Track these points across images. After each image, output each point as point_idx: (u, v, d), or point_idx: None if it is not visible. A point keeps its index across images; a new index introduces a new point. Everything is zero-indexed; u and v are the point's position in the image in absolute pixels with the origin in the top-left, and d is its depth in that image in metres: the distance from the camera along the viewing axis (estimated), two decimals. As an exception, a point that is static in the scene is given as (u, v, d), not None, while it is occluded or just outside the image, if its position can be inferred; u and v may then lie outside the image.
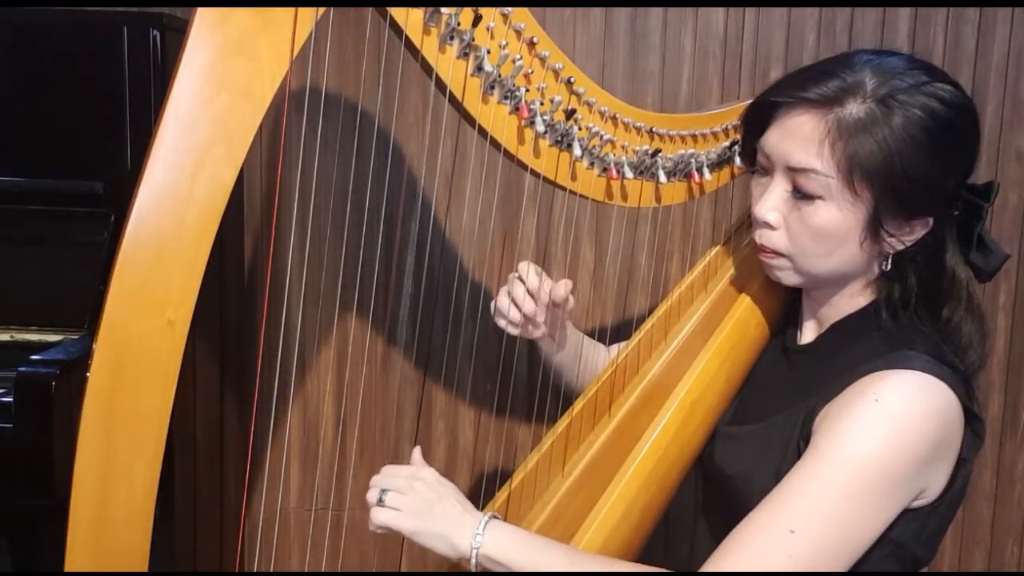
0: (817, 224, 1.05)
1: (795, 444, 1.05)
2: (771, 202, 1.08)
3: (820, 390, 1.05)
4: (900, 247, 1.07)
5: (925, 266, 1.09)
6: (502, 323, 1.30)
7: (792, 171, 1.06)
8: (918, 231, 1.07)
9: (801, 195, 1.06)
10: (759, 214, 1.09)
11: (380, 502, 1.03)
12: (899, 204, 1.03)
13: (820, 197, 1.04)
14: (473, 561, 1.01)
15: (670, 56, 1.86)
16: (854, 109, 1.02)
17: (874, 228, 1.05)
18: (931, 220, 1.06)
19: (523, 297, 1.26)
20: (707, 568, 0.98)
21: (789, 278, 1.12)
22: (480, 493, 1.08)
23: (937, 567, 1.98)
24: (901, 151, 1.01)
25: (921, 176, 1.03)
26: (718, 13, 1.85)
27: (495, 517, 1.04)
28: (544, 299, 1.26)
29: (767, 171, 1.11)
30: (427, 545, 1.02)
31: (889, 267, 1.09)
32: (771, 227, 1.09)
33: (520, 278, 1.27)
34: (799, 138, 1.04)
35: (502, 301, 1.28)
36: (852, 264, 1.09)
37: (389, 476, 1.06)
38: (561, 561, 1.01)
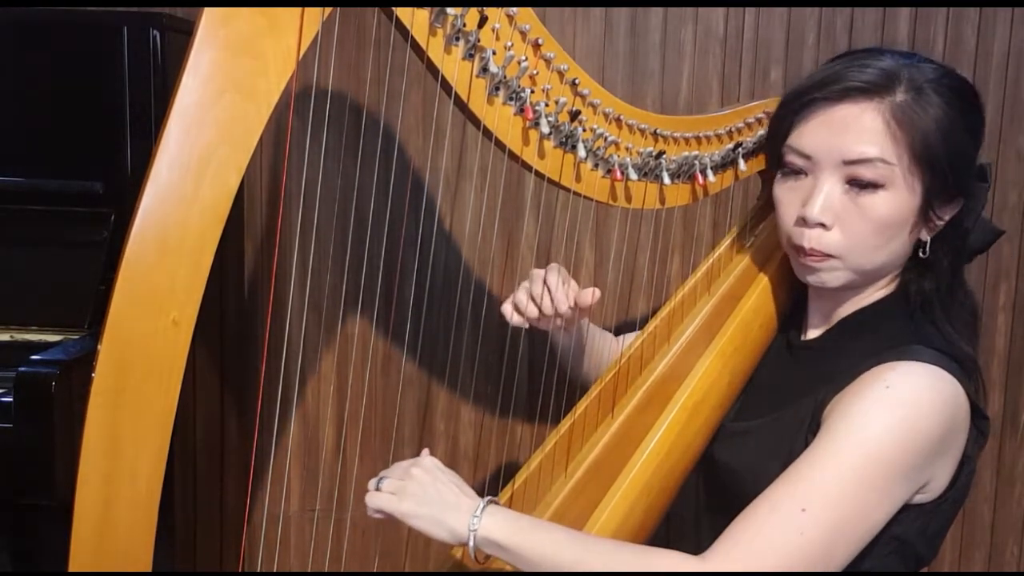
0: (880, 214, 1.05)
1: (804, 437, 1.05)
2: (824, 201, 1.07)
3: (829, 383, 1.06)
4: (938, 229, 1.09)
5: (953, 248, 1.11)
6: (515, 319, 1.28)
7: (848, 164, 1.05)
8: (951, 211, 1.09)
9: (860, 188, 1.05)
10: (813, 216, 1.07)
11: (378, 488, 1.04)
12: (951, 183, 1.06)
13: (882, 186, 1.04)
14: (471, 544, 1.00)
15: (670, 56, 1.86)
16: (903, 95, 1.04)
17: (925, 212, 1.07)
18: (963, 199, 1.09)
19: (541, 295, 1.25)
20: (718, 545, 0.98)
21: (836, 280, 1.10)
22: (482, 494, 1.08)
23: (937, 567, 1.98)
24: (951, 129, 1.05)
25: (966, 153, 1.07)
26: (718, 13, 1.85)
27: (493, 501, 1.03)
28: (565, 302, 1.24)
29: (803, 172, 1.10)
30: (423, 530, 1.02)
31: (928, 253, 1.10)
32: (825, 228, 1.07)
33: (545, 280, 1.25)
34: (855, 130, 1.04)
35: (520, 297, 1.27)
36: (898, 255, 1.10)
37: (391, 468, 1.07)
38: (561, 541, 1.01)
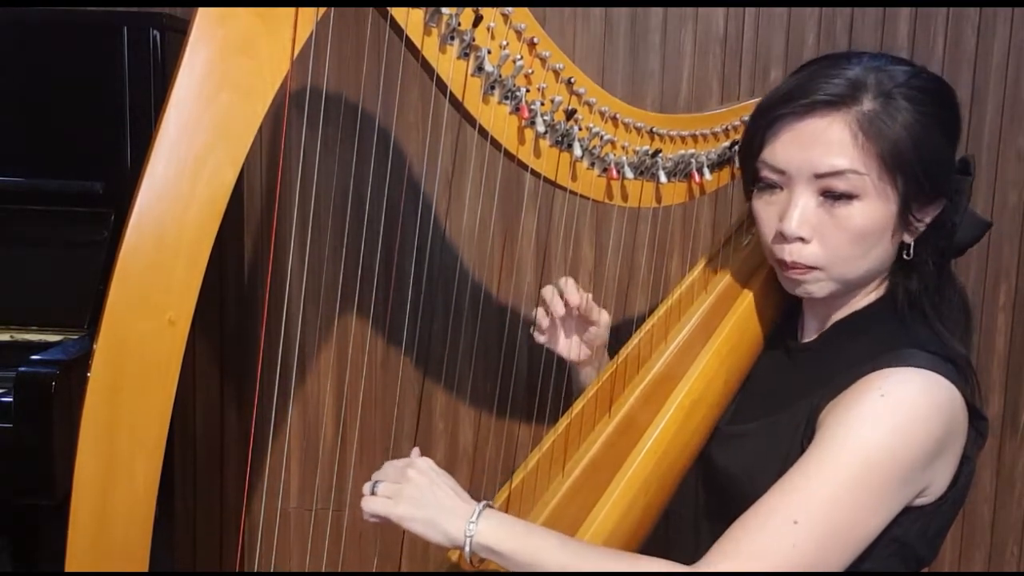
0: (857, 225, 1.05)
1: (799, 442, 1.05)
2: (801, 215, 1.06)
3: (824, 387, 1.05)
4: (920, 232, 1.09)
5: (937, 248, 1.11)
6: (539, 338, 1.36)
7: (820, 177, 1.05)
8: (932, 212, 1.09)
9: (834, 200, 1.05)
10: (791, 231, 1.06)
11: (373, 492, 1.04)
12: (927, 187, 1.05)
13: (856, 196, 1.04)
14: (467, 549, 1.00)
15: (670, 56, 1.86)
16: (870, 104, 1.03)
17: (904, 216, 1.06)
18: (944, 199, 1.09)
19: (552, 300, 1.30)
20: (710, 556, 0.98)
21: (822, 290, 1.10)
22: (480, 493, 1.08)
23: (937, 567, 1.98)
24: (923, 134, 1.04)
25: (941, 154, 1.06)
26: (718, 13, 1.85)
27: (489, 505, 1.04)
28: (575, 302, 1.29)
29: (778, 187, 1.10)
30: (419, 533, 1.02)
31: (912, 255, 1.09)
32: (804, 241, 1.07)
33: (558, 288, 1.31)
34: (824, 143, 1.04)
35: (538, 317, 1.34)
36: (882, 260, 1.09)
37: (385, 468, 1.07)
38: (554, 548, 1.01)
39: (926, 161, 1.04)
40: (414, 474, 1.04)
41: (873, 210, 1.04)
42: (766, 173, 1.10)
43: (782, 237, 1.08)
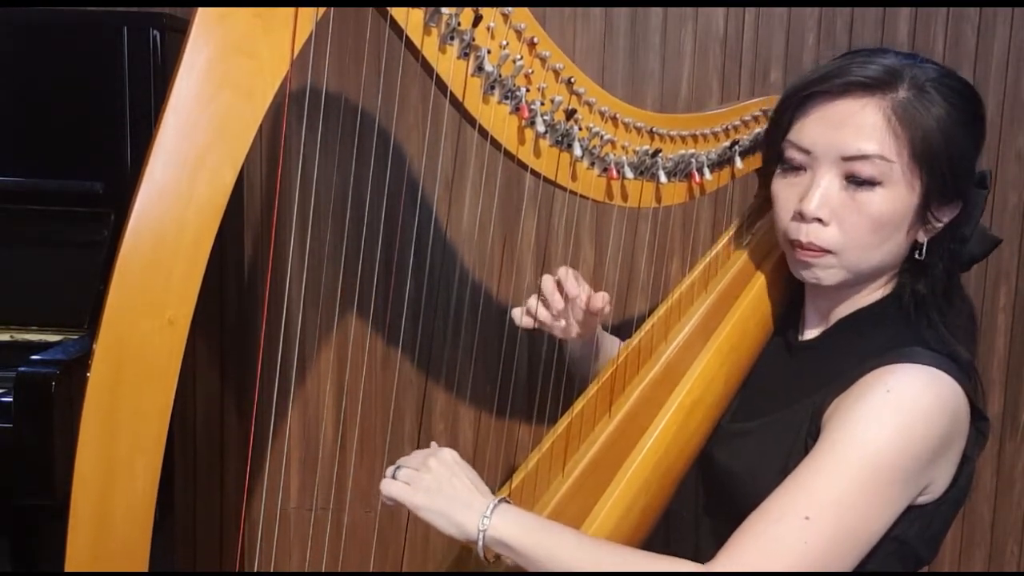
0: (877, 211, 1.04)
1: (803, 440, 1.05)
2: (822, 197, 1.06)
3: (827, 385, 1.05)
4: (935, 232, 1.09)
5: (950, 252, 1.10)
6: (525, 321, 1.29)
7: (847, 160, 1.05)
8: (949, 213, 1.08)
9: (857, 184, 1.05)
10: (810, 210, 1.06)
11: (395, 476, 1.05)
12: (950, 184, 1.05)
13: (880, 183, 1.04)
14: (480, 544, 1.01)
15: (670, 56, 1.86)
16: (905, 92, 1.04)
17: (923, 212, 1.06)
18: (961, 203, 1.08)
19: (552, 293, 1.26)
20: (723, 555, 0.98)
21: (832, 277, 1.10)
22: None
23: (937, 567, 1.98)
24: (953, 131, 1.04)
25: (966, 154, 1.06)
26: (718, 13, 1.85)
27: (505, 500, 1.04)
28: (576, 288, 1.25)
29: (802, 168, 1.09)
30: (433, 523, 1.02)
31: (923, 255, 1.09)
32: (822, 223, 1.07)
33: (558, 281, 1.26)
34: (855, 125, 1.04)
35: (531, 301, 1.29)
36: (895, 254, 1.09)
37: (410, 456, 1.08)
38: (570, 545, 1.01)
39: (952, 158, 1.04)
40: (435, 464, 1.04)
41: (895, 199, 1.04)
42: (791, 153, 1.10)
43: (800, 217, 1.08)
